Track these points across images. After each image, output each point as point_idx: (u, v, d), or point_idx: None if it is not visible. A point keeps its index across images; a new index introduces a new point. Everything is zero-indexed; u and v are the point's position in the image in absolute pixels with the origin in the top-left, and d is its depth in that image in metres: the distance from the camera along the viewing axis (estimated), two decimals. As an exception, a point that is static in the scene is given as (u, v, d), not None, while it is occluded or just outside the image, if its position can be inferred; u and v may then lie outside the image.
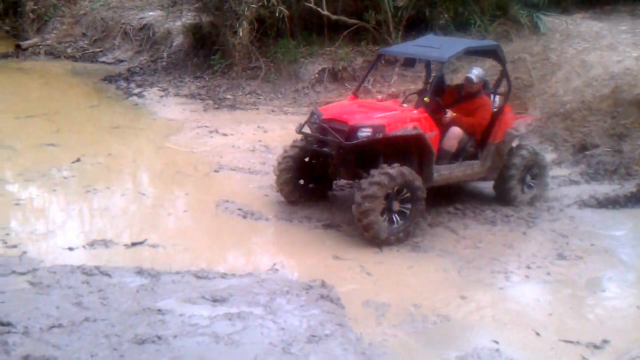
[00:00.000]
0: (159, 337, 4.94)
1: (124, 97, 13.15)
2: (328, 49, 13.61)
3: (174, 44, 15.52)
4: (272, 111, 12.19)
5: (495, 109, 7.94)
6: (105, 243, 6.67)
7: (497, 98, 8.30)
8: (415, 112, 7.16)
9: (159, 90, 13.37)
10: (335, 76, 13.13)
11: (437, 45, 7.69)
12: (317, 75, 12.99)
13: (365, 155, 7.14)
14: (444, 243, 7.02)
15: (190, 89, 13.32)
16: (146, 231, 7.06)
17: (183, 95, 13.07)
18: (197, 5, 14.38)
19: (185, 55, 14.81)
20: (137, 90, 13.42)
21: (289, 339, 5.02)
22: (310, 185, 7.94)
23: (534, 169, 8.18)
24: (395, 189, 6.77)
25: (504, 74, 8.15)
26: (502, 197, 8.08)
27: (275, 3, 12.82)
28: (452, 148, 7.51)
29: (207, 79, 13.68)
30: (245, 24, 12.95)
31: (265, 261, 6.52)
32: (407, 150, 7.21)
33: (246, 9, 12.89)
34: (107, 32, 17.19)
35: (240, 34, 12.96)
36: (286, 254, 6.73)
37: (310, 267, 6.44)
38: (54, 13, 18.41)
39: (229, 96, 12.61)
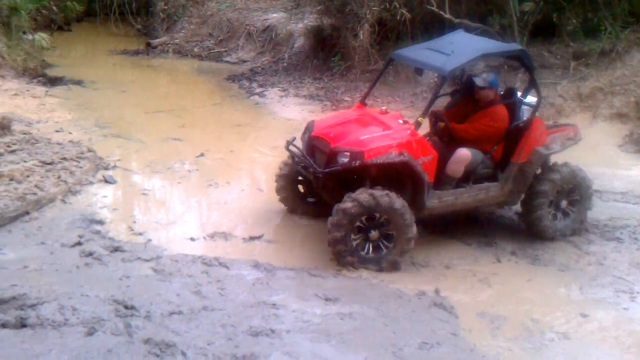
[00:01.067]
0: (273, 331, 5.04)
1: (246, 96, 13.53)
2: (449, 53, 13.37)
3: (295, 45, 15.81)
4: (389, 114, 12.16)
5: (520, 122, 6.85)
6: (225, 235, 6.89)
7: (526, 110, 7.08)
8: (408, 132, 6.32)
9: (279, 90, 13.65)
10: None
11: (448, 50, 6.52)
12: (436, 79, 12.82)
13: (350, 177, 6.55)
14: (566, 258, 6.73)
15: (310, 90, 13.51)
16: (263, 226, 7.21)
17: (302, 95, 13.27)
18: (319, 8, 14.58)
19: (306, 56, 15.05)
20: (258, 90, 13.77)
21: (399, 343, 4.98)
22: (311, 199, 7.44)
23: (574, 194, 7.06)
24: (368, 216, 6.15)
25: (531, 82, 6.97)
26: (530, 229, 7.07)
27: (398, 6, 12.76)
28: (456, 173, 6.63)
29: (326, 80, 13.84)
30: (366, 26, 13.00)
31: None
32: (399, 174, 6.49)
33: (368, 12, 12.92)
34: (232, 33, 17.74)
35: (361, 36, 13.01)
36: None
37: (422, 274, 6.37)
38: (182, 13, 19.22)
39: (346, 98, 12.68)
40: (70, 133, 9.78)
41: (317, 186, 6.72)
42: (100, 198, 7.67)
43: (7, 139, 8.34)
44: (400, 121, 6.54)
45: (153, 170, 8.89)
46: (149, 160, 9.28)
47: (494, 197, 6.81)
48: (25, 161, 7.64)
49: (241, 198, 8.11)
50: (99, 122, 10.84)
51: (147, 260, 6.17)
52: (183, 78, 15.45)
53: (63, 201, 7.12)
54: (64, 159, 7.93)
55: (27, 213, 6.72)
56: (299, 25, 16.00)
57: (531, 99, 7.04)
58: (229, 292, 5.65)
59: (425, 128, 6.96)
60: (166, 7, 19.24)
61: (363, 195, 6.04)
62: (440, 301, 5.72)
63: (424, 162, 6.28)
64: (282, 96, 13.31)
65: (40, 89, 12.70)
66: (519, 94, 7.12)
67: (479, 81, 6.70)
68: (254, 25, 17.41)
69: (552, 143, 6.86)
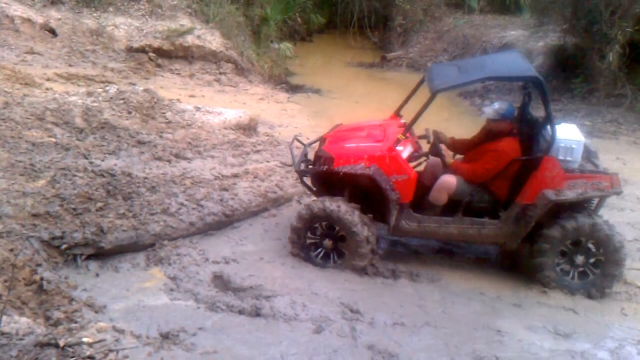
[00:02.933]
0: (497, 358, 4.87)
1: (477, 113, 13.27)
2: None
3: (534, 64, 15.18)
4: (635, 143, 11.19)
5: (532, 158, 5.95)
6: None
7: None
8: (385, 147, 6.05)
9: (510, 110, 13.20)
10: None
11: (465, 69, 6.19)
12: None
13: (336, 182, 6.35)
14: None
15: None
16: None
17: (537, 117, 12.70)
18: (564, 27, 13.87)
19: (545, 76, 14.37)
20: (489, 108, 13.45)
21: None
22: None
23: (597, 253, 5.93)
24: (322, 224, 6.10)
25: (546, 115, 5.92)
26: (532, 275, 6.12)
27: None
28: (438, 201, 6.18)
29: (565, 102, 13.10)
30: (616, 47, 12.10)
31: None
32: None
33: (619, 32, 12.02)
34: (467, 49, 17.51)
35: (609, 58, 12.14)
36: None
37: None
38: (419, 28, 19.39)
39: (587, 122, 11.90)
40: (308, 139, 10.28)
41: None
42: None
43: (253, 139, 8.99)
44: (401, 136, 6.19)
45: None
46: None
47: (488, 236, 6.13)
48: (267, 161, 8.16)
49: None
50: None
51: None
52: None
53: (299, 202, 7.49)
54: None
55: (267, 209, 7.18)
56: (539, 44, 15.35)
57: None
58: (452, 311, 5.55)
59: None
60: (404, 22, 19.54)
61: (316, 202, 6.12)
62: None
63: (397, 180, 6.01)
64: (515, 116, 12.85)
65: (283, 95, 13.53)
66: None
67: (489, 112, 6.12)
68: (490, 42, 17.03)
69: (569, 189, 5.85)
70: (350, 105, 13.53)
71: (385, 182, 5.99)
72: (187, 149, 7.76)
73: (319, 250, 6.25)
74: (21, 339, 3.86)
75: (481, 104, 13.81)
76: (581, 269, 6.01)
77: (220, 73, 13.41)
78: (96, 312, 4.91)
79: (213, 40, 13.76)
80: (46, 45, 11.65)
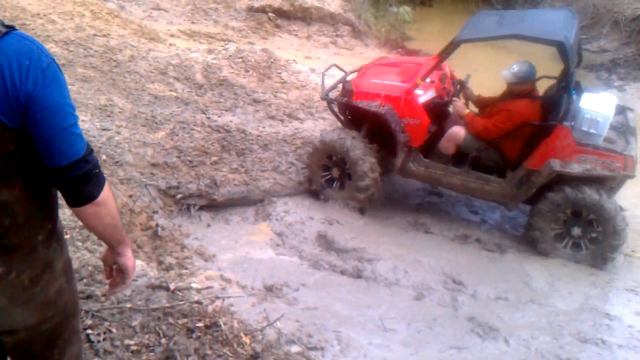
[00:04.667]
0: (603, 342, 4.69)
1: (603, 88, 12.55)
2: None
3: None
4: None
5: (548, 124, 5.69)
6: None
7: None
8: (404, 89, 6.06)
9: (643, 86, 12.45)
10: None
11: (501, 23, 5.98)
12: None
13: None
14: None
15: (680, 88, 12.08)
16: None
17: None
18: None
19: (681, 52, 13.44)
20: (617, 83, 12.70)
21: None
22: None
23: (594, 228, 5.68)
24: (331, 157, 6.32)
25: (565, 80, 5.68)
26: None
27: None
28: (446, 150, 6.22)
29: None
30: None
31: None
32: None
33: None
34: (597, 20, 16.56)
35: None
36: None
37: None
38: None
39: None
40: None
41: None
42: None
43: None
44: (428, 80, 6.31)
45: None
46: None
47: (490, 193, 6.10)
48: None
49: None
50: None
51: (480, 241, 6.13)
52: (538, 63, 14.75)
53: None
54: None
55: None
56: (677, 16, 14.33)
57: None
58: (559, 291, 5.38)
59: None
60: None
61: (330, 133, 6.32)
62: None
63: (409, 123, 6.07)
64: (645, 93, 12.12)
65: (398, 60, 13.37)
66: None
67: (508, 76, 5.95)
68: (622, 13, 16.03)
69: (578, 163, 5.61)
70: (469, 72, 13.18)
71: (396, 123, 6.06)
72: (300, 110, 7.85)
73: (333, 182, 6.48)
74: (135, 280, 4.10)
75: (608, 78, 13.10)
76: (576, 240, 5.87)
77: (337, 35, 13.39)
78: (206, 260, 5.13)
79: (332, 2, 13.73)
80: (171, 2, 12.05)
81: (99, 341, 3.31)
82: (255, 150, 6.59)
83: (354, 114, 6.52)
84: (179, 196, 5.74)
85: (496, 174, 6.07)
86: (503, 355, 4.46)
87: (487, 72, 13.38)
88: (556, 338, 4.68)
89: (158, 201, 5.63)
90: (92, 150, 1.84)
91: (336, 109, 6.63)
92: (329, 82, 6.94)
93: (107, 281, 2.17)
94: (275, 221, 5.93)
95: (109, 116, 6.32)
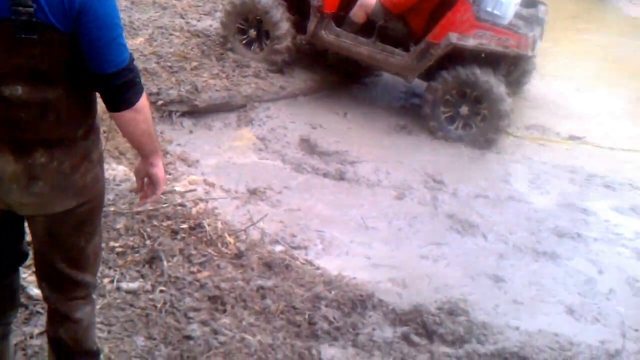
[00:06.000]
0: (579, 235, 4.84)
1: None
2: None
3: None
4: None
5: None
6: (543, 130, 6.55)
7: None
8: None
9: None
10: None
11: None
12: None
13: None
14: None
15: None
16: (585, 127, 6.67)
17: None
18: None
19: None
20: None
21: None
22: None
23: (481, 106, 5.96)
24: (245, 17, 6.38)
25: None
26: None
27: None
28: (357, 18, 6.23)
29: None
30: None
31: None
32: None
33: None
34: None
35: None
36: None
37: None
38: None
39: None
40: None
41: None
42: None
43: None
44: None
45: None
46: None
47: (393, 65, 6.24)
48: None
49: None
50: None
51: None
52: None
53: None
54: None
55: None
56: None
57: None
58: (539, 188, 5.49)
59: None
60: None
61: None
62: None
63: None
64: None
65: None
66: None
67: None
68: None
69: (475, 38, 5.82)
70: None
71: None
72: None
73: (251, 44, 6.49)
74: (118, 185, 4.15)
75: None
76: (466, 121, 6.09)
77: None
78: (189, 166, 5.16)
79: None
80: None
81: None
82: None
83: None
84: (159, 102, 5.69)
85: (402, 48, 6.20)
86: (481, 250, 4.60)
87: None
88: (533, 233, 4.81)
89: (138, 108, 5.59)
90: (134, 60, 1.98)
91: None
92: None
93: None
94: (258, 126, 5.93)
95: (84, 23, 6.18)
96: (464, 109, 6.03)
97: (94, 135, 2.08)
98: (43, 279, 2.20)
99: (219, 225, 4.04)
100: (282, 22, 6.25)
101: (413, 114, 6.52)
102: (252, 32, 6.44)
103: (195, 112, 5.89)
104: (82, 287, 2.21)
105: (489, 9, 5.86)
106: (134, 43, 6.14)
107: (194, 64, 6.17)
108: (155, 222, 3.84)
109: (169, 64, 6.03)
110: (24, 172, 1.92)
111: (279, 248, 4.16)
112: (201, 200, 4.36)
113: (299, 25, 6.43)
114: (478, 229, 4.78)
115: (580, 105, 7.18)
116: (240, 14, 6.38)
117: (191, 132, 5.75)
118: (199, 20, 6.93)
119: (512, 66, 6.44)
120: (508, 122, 6.03)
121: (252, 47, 6.50)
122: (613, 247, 4.78)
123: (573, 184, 5.60)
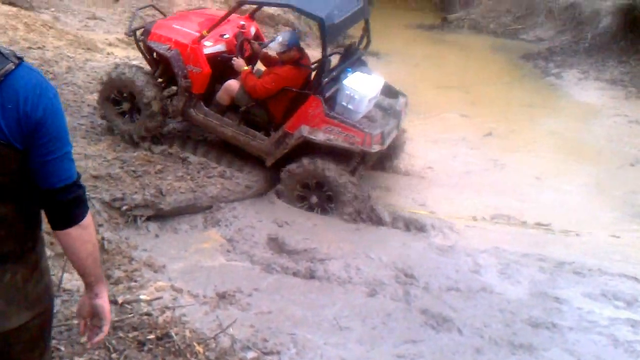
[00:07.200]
0: (554, 325, 4.80)
1: (541, 76, 12.87)
2: None
3: (601, 25, 14.58)
4: None
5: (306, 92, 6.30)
6: (508, 219, 6.65)
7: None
8: (201, 41, 6.41)
9: (578, 72, 12.74)
10: None
11: None
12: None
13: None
14: None
15: (613, 74, 12.40)
16: (549, 214, 6.80)
17: (604, 79, 12.24)
18: (635, -16, 13.26)
19: (612, 37, 13.79)
20: (555, 71, 13.01)
21: None
22: None
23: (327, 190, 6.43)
24: (121, 92, 6.60)
25: (322, 56, 6.21)
26: None
27: None
28: (222, 100, 6.63)
29: (632, 64, 12.57)
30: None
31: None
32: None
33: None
34: (531, 10, 16.93)
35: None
36: None
37: None
38: (473, -11, 18.85)
39: (658, 86, 11.43)
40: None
41: None
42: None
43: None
44: (227, 36, 6.73)
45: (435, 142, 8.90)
46: (435, 133, 9.30)
47: (255, 148, 6.59)
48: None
49: (524, 181, 7.72)
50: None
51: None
52: (475, 55, 15.16)
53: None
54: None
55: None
56: (607, 3, 14.73)
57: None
58: (509, 277, 5.48)
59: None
60: (470, -19, 19.00)
61: (118, 67, 6.65)
62: None
63: (192, 70, 6.42)
64: (580, 79, 12.41)
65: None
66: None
67: (275, 47, 6.34)
68: (556, 1, 16.43)
69: (324, 132, 6.21)
70: (409, 68, 13.32)
71: (179, 68, 6.40)
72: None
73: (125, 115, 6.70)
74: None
75: (545, 66, 13.41)
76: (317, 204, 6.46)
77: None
78: (155, 271, 5.03)
79: None
80: (107, 10, 11.83)
81: (46, 362, 3.20)
82: (200, 157, 6.51)
83: (157, 54, 6.72)
84: (124, 208, 5.62)
85: (263, 132, 6.53)
86: (457, 345, 4.51)
87: (428, 65, 13.63)
88: (508, 325, 4.76)
89: (103, 214, 5.50)
90: (80, 177, 2.01)
91: (143, 47, 6.83)
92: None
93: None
94: (225, 227, 5.87)
95: (47, 130, 6.16)
96: (314, 199, 6.40)
97: (40, 245, 2.07)
98: None
99: (187, 333, 3.90)
100: (147, 91, 6.47)
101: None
102: (126, 105, 6.65)
103: (161, 216, 5.82)
104: None
105: (343, 103, 6.25)
106: (97, 149, 6.13)
107: (158, 167, 6.17)
108: (120, 334, 3.70)
109: (132, 168, 6.00)
110: None
111: (250, 355, 4.02)
112: (168, 308, 4.22)
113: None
114: (453, 324, 4.70)
115: (542, 193, 7.31)
116: (115, 87, 6.60)
117: (157, 236, 5.65)
118: (162, 124, 6.96)
119: (365, 159, 6.70)
120: (352, 209, 6.30)
121: (125, 117, 6.69)
122: (589, 335, 4.74)
123: (543, 272, 5.61)
